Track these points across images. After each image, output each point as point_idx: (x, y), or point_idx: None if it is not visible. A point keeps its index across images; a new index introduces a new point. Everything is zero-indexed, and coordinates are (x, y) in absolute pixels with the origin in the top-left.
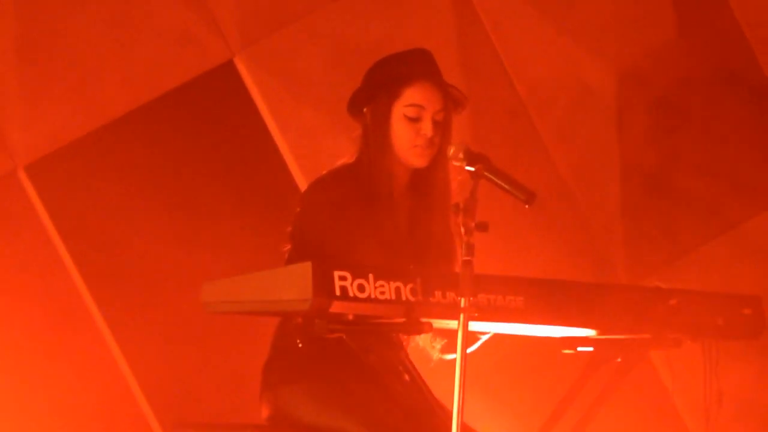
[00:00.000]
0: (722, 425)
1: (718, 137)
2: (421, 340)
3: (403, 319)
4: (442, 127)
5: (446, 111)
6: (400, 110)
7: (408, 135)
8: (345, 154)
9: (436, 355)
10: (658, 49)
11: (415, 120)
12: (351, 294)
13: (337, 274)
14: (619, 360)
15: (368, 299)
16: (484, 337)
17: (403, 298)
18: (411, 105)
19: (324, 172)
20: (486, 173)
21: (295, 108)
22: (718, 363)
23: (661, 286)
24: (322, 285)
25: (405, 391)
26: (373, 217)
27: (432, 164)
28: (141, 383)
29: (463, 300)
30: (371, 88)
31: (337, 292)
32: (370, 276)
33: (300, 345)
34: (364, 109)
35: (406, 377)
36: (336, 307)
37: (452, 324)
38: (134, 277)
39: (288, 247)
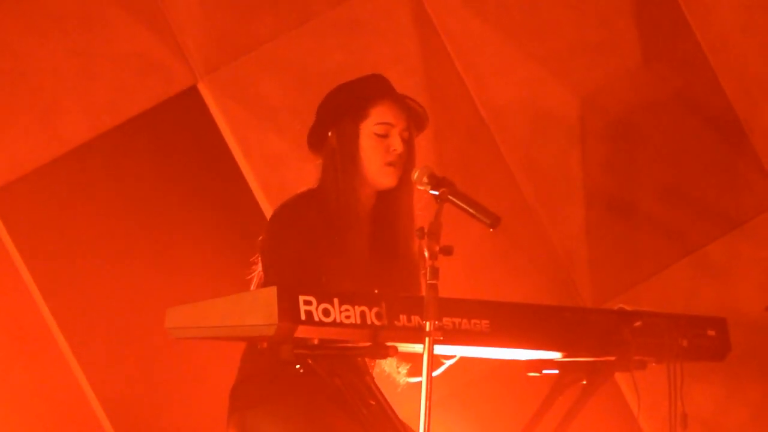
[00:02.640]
0: None
1: (680, 161)
2: (387, 365)
3: (368, 343)
4: (408, 145)
5: (410, 130)
6: (369, 129)
7: (378, 153)
8: (309, 179)
9: (402, 380)
10: (622, 73)
11: (384, 137)
12: (316, 318)
13: (302, 298)
14: (584, 382)
15: (333, 323)
16: (450, 361)
17: (369, 322)
18: (380, 123)
19: (288, 198)
20: (450, 197)
21: (259, 133)
22: (682, 385)
23: (625, 308)
24: (288, 310)
25: (371, 415)
26: (338, 241)
27: (398, 186)
28: (106, 409)
29: (428, 324)
30: (334, 113)
31: (303, 317)
32: (335, 300)
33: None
34: (329, 134)
35: (372, 401)
36: (301, 332)
37: (418, 348)
38: (99, 303)
39: (253, 275)
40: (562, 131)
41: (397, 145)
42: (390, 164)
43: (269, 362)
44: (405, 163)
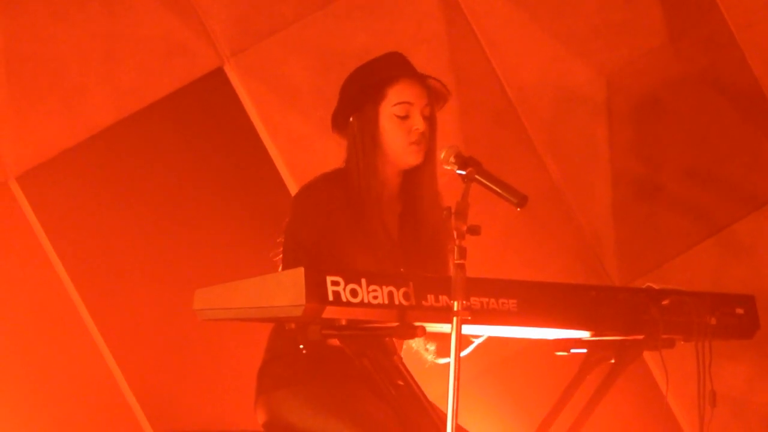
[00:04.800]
0: (716, 425)
1: (707, 140)
2: (415, 343)
3: (396, 323)
4: (430, 121)
5: (431, 105)
6: (388, 111)
7: (401, 133)
8: (335, 159)
9: (430, 357)
10: (648, 51)
11: (404, 118)
12: (344, 299)
13: (329, 279)
14: (612, 361)
15: (361, 304)
16: (478, 341)
17: (396, 303)
18: (399, 103)
19: (313, 177)
20: (477, 177)
21: (285, 114)
22: (711, 363)
23: (653, 286)
24: (315, 290)
25: (399, 395)
26: (363, 221)
27: (422, 164)
28: (135, 391)
29: (456, 303)
30: (354, 97)
31: (330, 298)
32: (363, 281)
33: (304, 351)
34: (351, 119)
35: (400, 381)
36: (329, 313)
37: (445, 327)
38: (127, 285)
39: (279, 255)
40: (588, 111)
41: (418, 123)
42: (414, 143)
43: (296, 343)
44: (429, 138)
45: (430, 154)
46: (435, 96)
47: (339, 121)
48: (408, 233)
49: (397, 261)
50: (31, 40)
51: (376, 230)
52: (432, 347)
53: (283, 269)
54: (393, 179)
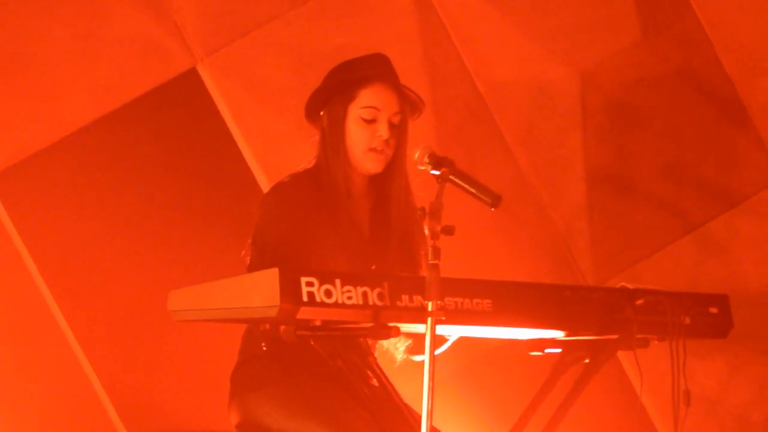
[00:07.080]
0: (690, 424)
1: (681, 138)
2: (386, 342)
3: (370, 324)
4: (398, 130)
5: (402, 114)
6: (355, 112)
7: (363, 137)
8: (309, 159)
9: (400, 356)
10: (621, 49)
11: (370, 122)
12: (318, 299)
13: (304, 280)
14: (587, 361)
15: (335, 304)
16: (451, 340)
17: (371, 303)
18: (366, 107)
19: (283, 177)
20: (451, 177)
21: (259, 115)
22: (685, 362)
23: (627, 286)
24: (290, 291)
25: (373, 396)
26: (332, 220)
27: (389, 168)
28: (109, 393)
29: (430, 303)
30: (327, 91)
31: (305, 298)
32: (337, 281)
33: (264, 348)
34: (321, 113)
35: (375, 382)
36: (303, 313)
37: (420, 327)
38: (100, 286)
39: (247, 252)
40: (561, 108)
41: (383, 131)
42: (373, 150)
43: (269, 344)
44: (395, 147)
45: (397, 161)
46: (408, 106)
47: (311, 111)
48: (378, 231)
49: (369, 259)
50: (5, 39)
51: (344, 228)
52: (402, 346)
53: (249, 270)
54: (360, 177)
